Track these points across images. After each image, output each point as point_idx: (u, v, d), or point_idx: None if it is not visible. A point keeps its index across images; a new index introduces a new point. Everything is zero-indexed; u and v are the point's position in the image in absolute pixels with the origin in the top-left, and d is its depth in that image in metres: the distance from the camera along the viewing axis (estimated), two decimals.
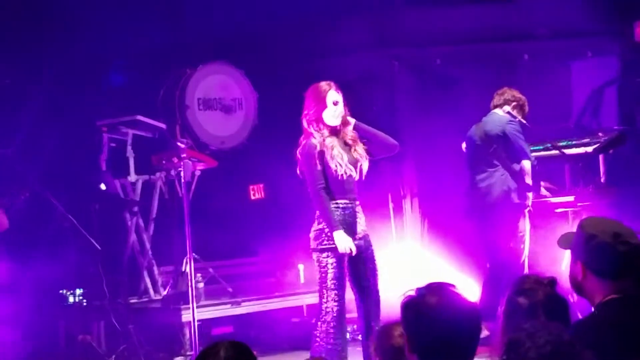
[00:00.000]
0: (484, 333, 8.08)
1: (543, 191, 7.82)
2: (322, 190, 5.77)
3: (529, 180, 7.42)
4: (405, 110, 9.17)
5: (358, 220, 5.89)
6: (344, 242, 5.71)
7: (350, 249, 5.72)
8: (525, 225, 7.47)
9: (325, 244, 5.74)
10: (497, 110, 7.62)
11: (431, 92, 9.04)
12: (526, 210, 7.46)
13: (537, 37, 9.22)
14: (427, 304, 2.84)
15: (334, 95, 5.87)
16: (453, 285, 2.94)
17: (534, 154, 7.68)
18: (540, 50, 9.24)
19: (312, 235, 5.84)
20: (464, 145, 7.79)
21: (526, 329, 2.71)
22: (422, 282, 2.99)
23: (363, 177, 5.92)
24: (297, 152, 5.90)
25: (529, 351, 2.61)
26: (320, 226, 5.79)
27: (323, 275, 5.76)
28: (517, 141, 7.43)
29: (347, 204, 5.83)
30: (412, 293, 2.91)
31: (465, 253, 8.06)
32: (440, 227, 8.62)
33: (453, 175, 8.09)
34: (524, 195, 7.46)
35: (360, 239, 5.88)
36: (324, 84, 5.91)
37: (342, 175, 5.79)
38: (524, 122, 7.59)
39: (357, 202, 5.91)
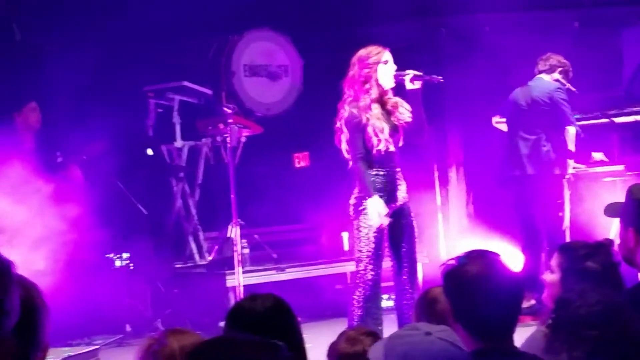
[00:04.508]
0: (530, 302, 8.07)
1: (596, 156, 7.71)
2: (360, 159, 5.72)
3: (572, 147, 7.35)
4: (451, 79, 9.06)
5: (399, 187, 5.84)
6: (376, 209, 5.63)
7: (382, 220, 5.64)
8: (565, 193, 7.40)
9: (365, 212, 5.70)
10: (544, 76, 7.52)
11: (478, 61, 8.92)
12: (565, 179, 7.40)
13: (587, 4, 9.06)
14: (468, 273, 2.78)
15: (387, 56, 5.82)
16: (495, 254, 2.86)
17: (583, 122, 7.58)
18: (591, 17, 9.08)
19: (351, 202, 5.81)
20: (495, 120, 7.72)
21: (576, 289, 2.68)
22: (464, 250, 2.93)
23: (400, 144, 5.84)
24: (337, 120, 5.83)
25: (579, 309, 2.58)
26: (361, 194, 5.75)
27: (361, 242, 5.73)
28: (562, 108, 7.34)
29: (388, 171, 5.78)
30: (453, 262, 2.85)
31: (512, 223, 7.98)
32: (487, 196, 8.55)
33: (499, 144, 8.00)
34: (564, 165, 7.39)
35: (401, 205, 5.84)
36: (376, 46, 5.84)
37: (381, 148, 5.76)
38: (573, 89, 7.49)
39: (398, 169, 5.85)
